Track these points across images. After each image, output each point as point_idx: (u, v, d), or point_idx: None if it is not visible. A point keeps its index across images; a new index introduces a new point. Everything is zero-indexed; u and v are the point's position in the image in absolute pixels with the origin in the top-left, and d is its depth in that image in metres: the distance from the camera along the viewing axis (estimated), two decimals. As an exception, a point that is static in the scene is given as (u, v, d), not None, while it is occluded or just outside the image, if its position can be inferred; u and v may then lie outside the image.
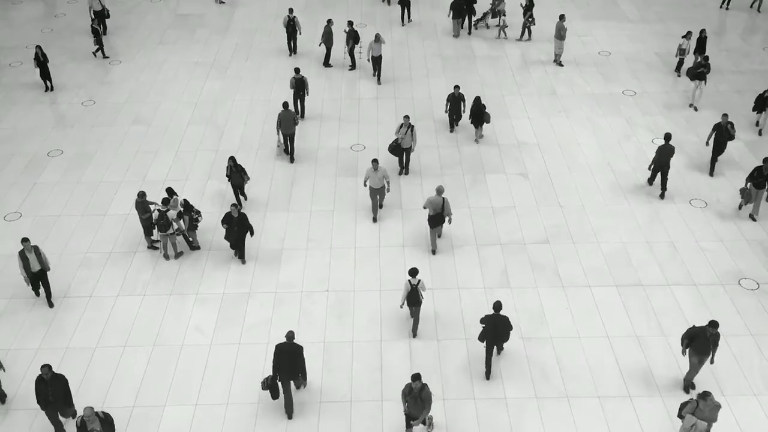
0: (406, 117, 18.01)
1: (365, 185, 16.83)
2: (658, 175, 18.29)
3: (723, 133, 17.95)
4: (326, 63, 24.27)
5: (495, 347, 13.43)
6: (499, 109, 21.70)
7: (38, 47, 22.19)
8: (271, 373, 13.16)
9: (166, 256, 16.12)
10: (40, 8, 29.07)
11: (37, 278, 14.59)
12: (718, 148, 18.17)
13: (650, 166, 17.82)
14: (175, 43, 26.08)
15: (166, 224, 15.51)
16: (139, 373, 13.49)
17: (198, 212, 16.15)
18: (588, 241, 16.59)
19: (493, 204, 17.75)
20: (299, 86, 20.83)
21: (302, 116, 21.35)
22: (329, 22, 23.75)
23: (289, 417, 12.61)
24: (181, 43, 26.09)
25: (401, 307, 13.99)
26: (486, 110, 19.72)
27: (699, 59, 22.18)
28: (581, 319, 14.55)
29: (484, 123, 19.83)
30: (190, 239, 16.28)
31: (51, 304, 14.89)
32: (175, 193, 16.25)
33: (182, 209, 15.98)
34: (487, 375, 13.25)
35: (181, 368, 13.59)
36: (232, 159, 16.83)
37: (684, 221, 17.13)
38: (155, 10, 28.72)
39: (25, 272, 14.28)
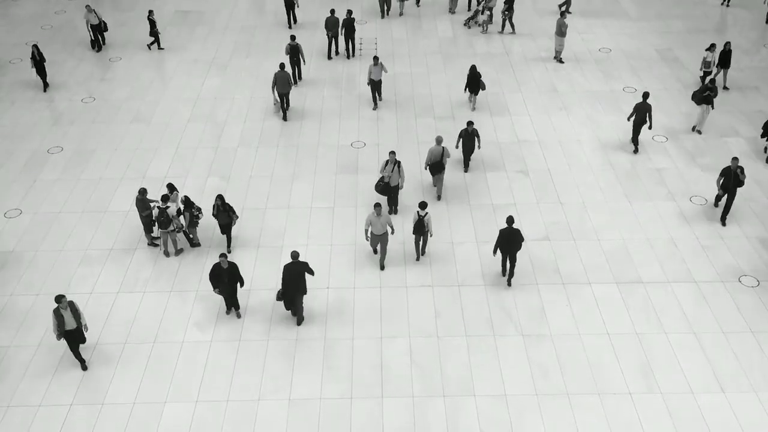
0: (392, 153, 16.60)
1: (366, 236, 15.28)
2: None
3: (732, 178, 16.40)
4: (331, 55, 24.58)
5: (508, 258, 15.02)
6: (499, 107, 21.69)
7: (35, 46, 22.11)
8: (282, 289, 14.22)
9: (167, 253, 16.12)
10: (40, 5, 29.04)
11: (72, 336, 13.06)
12: (728, 194, 16.66)
13: (629, 117, 19.27)
14: (174, 40, 26.04)
15: (167, 221, 15.50)
16: (139, 370, 13.50)
17: (198, 209, 16.13)
18: (588, 238, 16.59)
19: (494, 201, 17.74)
20: (294, 52, 22.32)
21: (297, 80, 22.95)
22: (332, 12, 24.08)
23: (299, 324, 14.33)
24: (180, 40, 26.06)
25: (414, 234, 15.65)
26: (482, 78, 21.09)
27: (716, 72, 22.05)
28: (581, 317, 14.55)
29: (480, 91, 21.12)
30: (191, 236, 16.27)
31: (85, 367, 13.46)
32: (176, 189, 16.24)
33: (182, 206, 15.97)
34: (509, 282, 15.20)
35: (181, 365, 13.60)
36: (219, 198, 15.42)
37: (684, 218, 17.13)
38: (155, 8, 28.68)
39: (59, 331, 12.82)
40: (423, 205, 15.16)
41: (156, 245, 16.44)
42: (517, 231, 14.67)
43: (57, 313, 12.75)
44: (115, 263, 16.03)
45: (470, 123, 17.94)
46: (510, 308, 14.73)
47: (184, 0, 29.23)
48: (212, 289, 14.36)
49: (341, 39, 25.68)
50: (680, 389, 13.02)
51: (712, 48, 21.67)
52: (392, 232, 15.51)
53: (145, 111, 21.72)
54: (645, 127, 20.37)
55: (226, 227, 15.92)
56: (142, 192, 15.75)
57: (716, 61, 22.12)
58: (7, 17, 27.97)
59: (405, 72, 23.75)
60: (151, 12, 24.54)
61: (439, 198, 17.69)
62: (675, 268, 15.69)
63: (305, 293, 14.03)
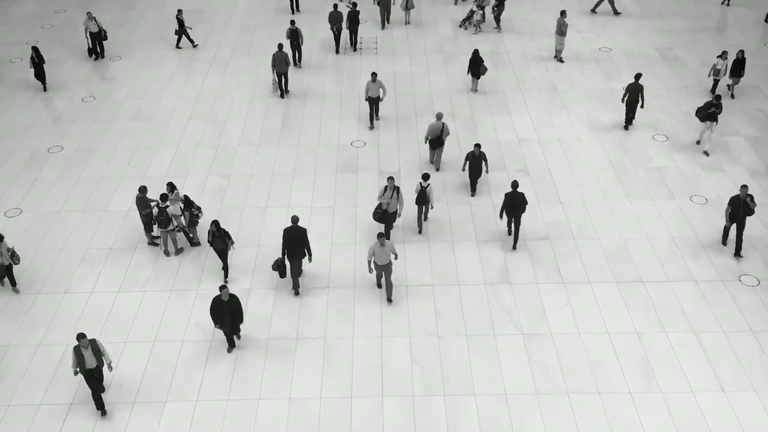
0: (390, 179, 15.64)
1: (370, 268, 14.44)
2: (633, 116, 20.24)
3: (742, 207, 15.40)
4: (339, 49, 24.99)
5: (513, 220, 15.97)
6: (499, 106, 21.69)
7: (34, 48, 21.96)
8: (280, 255, 15.25)
9: (167, 253, 16.12)
10: (41, 4, 29.04)
11: (92, 375, 12.35)
12: (737, 225, 15.60)
13: (623, 98, 20.06)
14: (175, 39, 26.03)
15: (166, 220, 15.50)
16: (139, 369, 13.50)
17: (198, 208, 16.14)
18: (588, 237, 16.58)
19: (494, 200, 17.74)
20: (293, 36, 23.20)
21: (298, 64, 23.77)
22: (335, 6, 24.36)
23: (296, 293, 14.81)
24: (181, 39, 26.04)
25: (416, 203, 16.33)
26: (483, 63, 21.66)
27: (732, 83, 21.49)
28: (582, 316, 14.55)
29: (481, 75, 21.76)
30: (191, 235, 16.27)
31: (104, 413, 12.61)
32: (176, 188, 16.24)
33: (182, 205, 15.97)
34: (514, 246, 16.12)
35: (181, 364, 13.60)
36: (214, 223, 14.73)
37: (685, 217, 17.12)
38: (155, 6, 28.68)
39: (79, 370, 12.15)
40: (425, 177, 15.99)
41: (156, 244, 16.44)
42: (522, 194, 15.64)
43: (77, 352, 12.05)
44: (115, 262, 16.03)
45: (477, 146, 17.06)
46: (510, 307, 14.73)
47: (185, -1, 29.26)
48: (213, 324, 13.56)
49: (344, 32, 25.94)
50: (680, 388, 13.02)
51: (723, 55, 20.92)
52: (395, 258, 14.71)
53: (146, 110, 21.72)
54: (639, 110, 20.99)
55: (221, 253, 15.15)
56: (142, 190, 15.76)
57: (727, 69, 21.50)
58: (7, 16, 27.97)
59: (405, 71, 23.74)
60: (180, 11, 24.63)
61: (437, 170, 18.61)
62: (675, 268, 15.69)
63: (305, 256, 14.59)
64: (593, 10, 27.59)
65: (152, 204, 16.00)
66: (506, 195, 15.72)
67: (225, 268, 15.32)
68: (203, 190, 18.21)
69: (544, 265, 15.81)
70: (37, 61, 22.16)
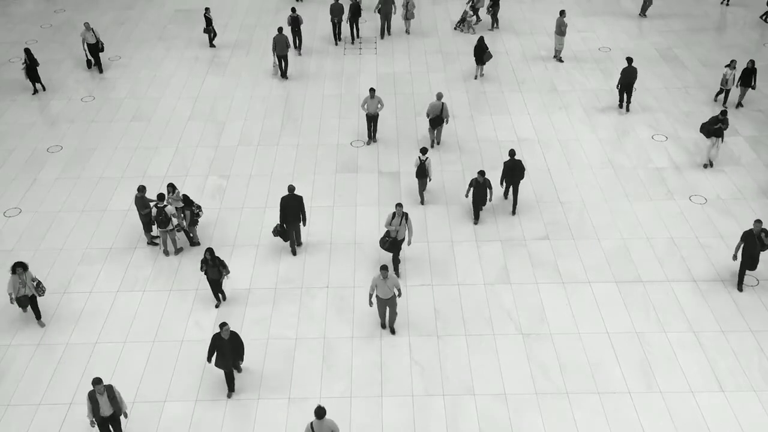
0: (399, 205, 14.81)
1: (371, 302, 13.74)
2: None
3: (755, 243, 14.47)
4: (337, 41, 25.42)
5: (511, 188, 17.11)
6: (499, 106, 21.69)
7: (26, 51, 21.73)
8: (279, 222, 15.83)
9: (166, 252, 16.12)
10: (40, 4, 29.02)
11: (107, 423, 11.79)
12: (750, 262, 14.64)
13: (617, 85, 20.86)
14: (174, 38, 26.05)
15: (165, 220, 15.50)
16: (139, 369, 13.51)
17: (198, 207, 16.14)
18: (588, 237, 16.59)
19: (493, 200, 17.74)
20: (294, 23, 23.91)
21: (299, 51, 24.57)
22: None
23: (294, 254, 15.89)
24: (180, 39, 26.06)
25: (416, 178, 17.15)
26: (488, 50, 22.40)
27: (741, 94, 21.12)
28: (581, 316, 14.55)
29: (486, 61, 22.52)
30: (191, 235, 16.27)
31: None
32: (176, 189, 16.23)
33: (182, 205, 15.96)
34: (513, 212, 17.15)
35: (181, 364, 13.60)
36: (209, 251, 13.98)
37: (684, 217, 17.13)
38: (155, 6, 28.68)
39: (93, 416, 11.58)
40: (424, 151, 16.86)
41: (156, 244, 16.44)
42: (519, 162, 16.55)
43: (92, 398, 11.44)
44: (114, 262, 16.03)
45: (482, 173, 16.06)
46: (510, 307, 14.74)
47: (184, -2, 29.25)
48: (207, 359, 12.70)
49: (345, 25, 26.09)
50: (679, 388, 13.03)
51: (732, 64, 20.50)
52: (399, 295, 13.85)
53: (145, 109, 21.72)
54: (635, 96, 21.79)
55: (215, 283, 14.49)
56: (141, 190, 15.76)
57: (736, 79, 21.13)
58: (6, 16, 27.95)
59: (404, 71, 23.74)
60: (207, 9, 24.73)
61: (431, 146, 19.55)
62: (674, 268, 15.69)
63: (301, 221, 15.60)
64: (642, 14, 27.38)
65: (151, 204, 15.99)
66: (505, 163, 16.62)
67: (220, 296, 14.85)
68: (203, 190, 18.21)
69: (543, 265, 15.82)
70: (29, 63, 21.99)
